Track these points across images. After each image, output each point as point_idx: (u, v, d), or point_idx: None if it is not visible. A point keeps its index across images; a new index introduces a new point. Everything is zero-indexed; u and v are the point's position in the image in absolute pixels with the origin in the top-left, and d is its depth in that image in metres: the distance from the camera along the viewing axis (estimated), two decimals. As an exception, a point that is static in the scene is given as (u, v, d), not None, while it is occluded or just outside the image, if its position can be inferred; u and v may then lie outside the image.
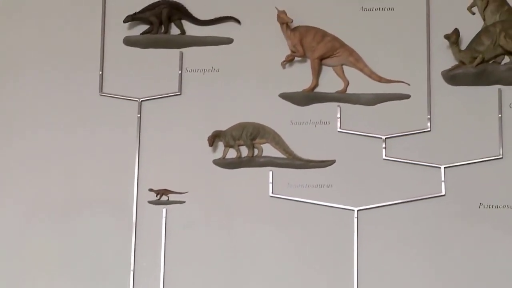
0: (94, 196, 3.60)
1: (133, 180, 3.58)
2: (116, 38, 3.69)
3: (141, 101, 3.64)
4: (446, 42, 3.48)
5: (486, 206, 3.43)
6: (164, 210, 3.56)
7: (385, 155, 3.50)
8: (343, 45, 3.59)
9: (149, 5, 3.66)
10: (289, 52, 3.59)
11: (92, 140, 3.63)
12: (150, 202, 3.57)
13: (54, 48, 3.73)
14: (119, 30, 3.69)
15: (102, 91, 3.66)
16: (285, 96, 3.59)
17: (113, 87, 3.67)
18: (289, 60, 3.59)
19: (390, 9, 3.61)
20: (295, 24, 3.58)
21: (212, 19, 3.67)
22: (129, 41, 3.68)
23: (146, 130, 3.62)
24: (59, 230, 3.59)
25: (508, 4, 3.51)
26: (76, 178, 3.62)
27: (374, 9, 3.62)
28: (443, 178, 3.45)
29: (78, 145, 3.64)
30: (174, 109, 3.63)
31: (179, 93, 3.64)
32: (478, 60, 3.44)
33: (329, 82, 3.58)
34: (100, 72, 3.67)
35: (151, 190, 3.57)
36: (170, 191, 3.57)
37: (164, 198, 3.57)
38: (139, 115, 3.63)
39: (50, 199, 3.61)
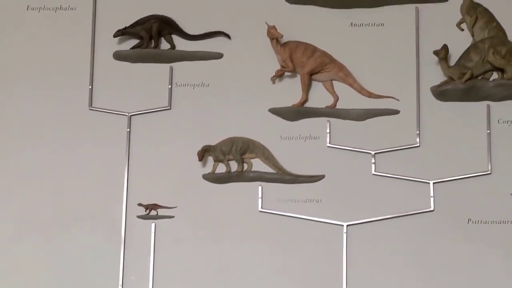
0: (82, 210, 3.58)
1: (122, 194, 3.57)
2: (106, 52, 3.69)
3: (131, 115, 3.64)
4: (435, 58, 3.50)
5: (475, 222, 3.43)
6: (153, 224, 3.55)
7: (375, 170, 3.51)
8: (332, 60, 3.60)
9: (139, 20, 3.67)
10: (279, 67, 3.60)
11: (81, 154, 3.62)
12: (139, 216, 3.56)
13: (43, 62, 3.72)
14: (109, 44, 3.69)
15: (91, 105, 3.66)
16: (275, 111, 3.59)
17: (102, 101, 3.66)
18: (279, 75, 3.60)
19: (380, 25, 3.63)
20: (285, 39, 3.59)
21: (202, 34, 3.67)
22: (119, 56, 3.68)
23: (136, 145, 3.62)
24: (48, 245, 3.57)
25: (496, 21, 3.53)
26: (65, 192, 3.60)
27: (363, 25, 3.63)
28: (432, 194, 3.46)
29: (67, 160, 3.62)
30: (164, 123, 3.63)
31: (169, 107, 3.64)
32: (467, 76, 3.46)
33: (319, 97, 3.60)
34: (90, 87, 3.67)
35: (140, 204, 3.56)
36: (159, 205, 3.56)
37: (153, 212, 3.56)
38: (128, 130, 3.63)
39: (38, 214, 3.59)
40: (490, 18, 3.53)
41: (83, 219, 3.57)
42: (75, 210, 3.58)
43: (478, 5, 3.55)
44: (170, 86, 3.65)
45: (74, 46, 3.71)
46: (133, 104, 3.64)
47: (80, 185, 3.60)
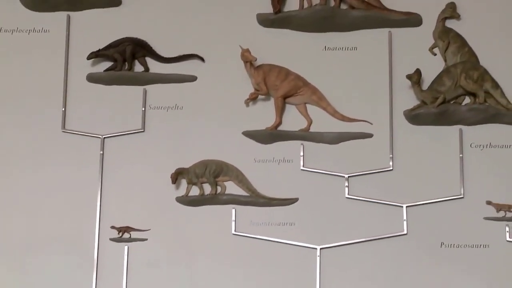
0: (55, 233, 3.56)
1: (94, 217, 3.55)
2: (80, 74, 3.68)
3: (104, 137, 3.63)
4: (408, 82, 3.52)
5: (448, 245, 3.45)
6: (126, 247, 3.53)
7: (348, 194, 3.52)
8: (306, 83, 3.61)
9: (113, 42, 3.66)
10: (252, 90, 3.61)
11: (54, 176, 3.60)
12: (111, 239, 3.54)
13: (16, 84, 3.70)
14: (83, 66, 3.68)
15: (64, 127, 3.64)
16: (249, 134, 3.60)
17: (76, 123, 3.65)
18: (253, 98, 3.61)
19: (353, 48, 3.65)
20: (258, 62, 3.60)
21: (176, 57, 3.68)
22: (93, 78, 3.67)
23: (109, 167, 3.60)
24: (20, 267, 3.54)
25: (468, 46, 3.57)
26: (37, 215, 3.58)
27: (337, 48, 3.65)
28: (405, 217, 3.47)
29: (39, 182, 3.60)
30: (137, 146, 3.62)
31: (142, 130, 3.63)
32: (439, 100, 3.48)
33: (293, 120, 3.61)
34: (63, 109, 3.65)
35: (113, 227, 3.54)
36: (132, 228, 3.54)
37: (126, 235, 3.54)
38: (101, 152, 3.61)
39: (10, 236, 3.56)
40: (462, 43, 3.57)
41: (55, 241, 3.55)
42: (47, 233, 3.56)
43: (451, 30, 3.58)
44: (143, 109, 3.64)
45: (47, 68, 3.70)
46: (107, 126, 3.63)
47: (53, 207, 3.58)
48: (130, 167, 3.60)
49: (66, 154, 3.62)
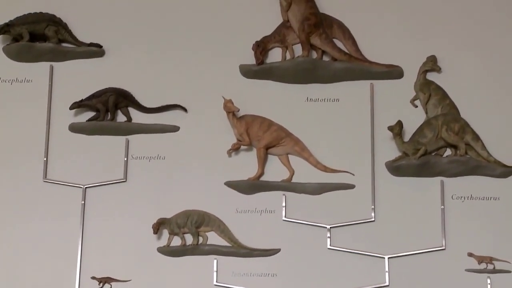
0: (35, 283, 3.53)
1: (75, 267, 3.53)
2: (62, 124, 3.68)
3: (86, 187, 3.62)
4: (390, 133, 3.54)
5: (429, 297, 3.46)
6: (106, 298, 3.51)
7: (330, 245, 3.51)
8: (288, 134, 3.63)
9: (96, 92, 3.67)
10: (235, 141, 3.62)
11: (35, 226, 3.58)
12: (92, 290, 3.53)
13: (-2, 133, 3.71)
14: (65, 116, 3.68)
15: (46, 177, 3.63)
16: (231, 184, 3.60)
17: (57, 173, 3.64)
18: (235, 149, 3.62)
19: (335, 100, 3.67)
20: (241, 113, 3.61)
21: (159, 107, 3.69)
22: (75, 128, 3.67)
23: (90, 217, 3.58)
24: (-2, 319, 3.52)
25: (449, 98, 3.60)
26: (18, 265, 3.55)
27: (319, 100, 3.68)
28: (387, 268, 3.47)
29: (20, 232, 3.58)
30: (119, 196, 3.61)
31: (124, 180, 3.62)
32: (421, 152, 3.50)
33: (275, 171, 3.61)
34: (45, 158, 3.64)
35: (93, 278, 3.51)
36: (113, 279, 3.52)
37: (106, 286, 3.51)
38: (83, 202, 3.60)
39: (-11, 287, 3.54)
40: (443, 95, 3.60)
41: (35, 292, 3.53)
42: (28, 282, 3.53)
43: (432, 82, 3.62)
44: (126, 159, 3.64)
45: (29, 118, 3.70)
46: (88, 176, 3.62)
47: (33, 258, 3.55)
48: (111, 217, 3.59)
49: (47, 204, 3.60)
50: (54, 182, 3.63)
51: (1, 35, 3.73)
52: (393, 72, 3.66)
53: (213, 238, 3.55)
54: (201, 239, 3.55)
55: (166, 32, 3.77)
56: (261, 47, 3.67)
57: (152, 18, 3.79)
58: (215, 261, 3.52)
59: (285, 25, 3.71)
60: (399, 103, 3.64)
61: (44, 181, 3.63)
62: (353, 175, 3.59)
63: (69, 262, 3.54)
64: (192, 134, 3.66)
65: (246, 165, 3.61)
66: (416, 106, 3.64)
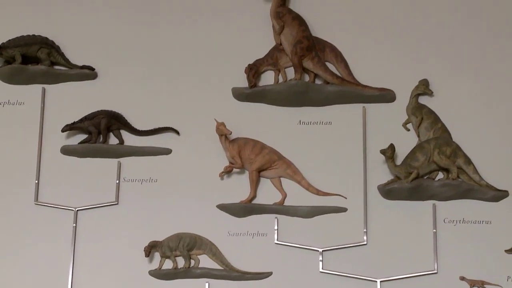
0: (25, 306, 3.53)
1: (66, 291, 3.54)
2: (54, 147, 3.67)
3: (77, 210, 3.61)
4: (382, 157, 3.54)
5: (421, 321, 3.46)
6: (97, 322, 3.50)
7: (322, 268, 3.51)
8: (281, 157, 3.63)
9: (88, 115, 3.67)
10: (227, 164, 3.62)
11: (26, 249, 3.56)
12: (83, 314, 3.51)
13: (-11, 156, 3.71)
14: (57, 139, 3.68)
15: (37, 200, 3.62)
16: (223, 207, 3.59)
17: (49, 196, 3.63)
18: (228, 172, 3.61)
19: (328, 123, 3.67)
20: (234, 136, 3.61)
21: (151, 130, 3.68)
22: (67, 150, 3.67)
23: (82, 240, 3.57)
24: None
25: (441, 122, 3.61)
26: (8, 288, 3.55)
27: (311, 123, 3.68)
28: (378, 292, 3.48)
29: (11, 254, 3.56)
30: (111, 219, 3.60)
31: (116, 202, 3.61)
32: (413, 176, 3.50)
33: (267, 194, 3.61)
34: (36, 181, 3.64)
35: (84, 301, 3.51)
36: (104, 302, 3.52)
37: (98, 309, 3.51)
38: (74, 225, 3.59)
39: (-20, 310, 3.53)
40: (435, 119, 3.61)
41: (25, 315, 3.51)
42: (18, 306, 3.53)
43: (424, 106, 3.63)
44: (117, 181, 3.63)
45: (21, 140, 3.70)
46: (80, 199, 3.62)
47: (24, 281, 3.54)
48: (103, 240, 3.57)
49: (39, 227, 3.59)
50: (46, 205, 3.62)
51: (-6, 57, 3.75)
52: (386, 96, 3.67)
53: (205, 261, 3.54)
54: (193, 262, 3.54)
55: (158, 55, 3.78)
56: (254, 70, 3.68)
57: (145, 41, 3.79)
58: (207, 284, 3.51)
59: (277, 48, 3.72)
60: (392, 127, 3.64)
61: (36, 204, 3.62)
62: (346, 198, 3.59)
63: (60, 285, 3.52)
64: (185, 157, 3.66)
65: (238, 188, 3.61)
66: (408, 130, 3.65)
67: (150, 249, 3.51)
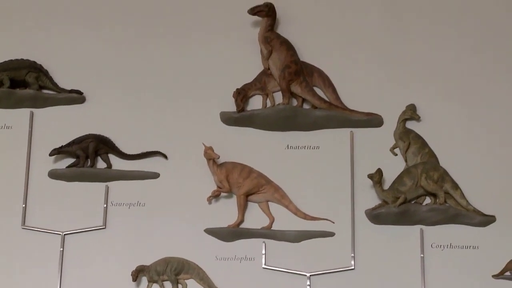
0: (11, 331, 3.51)
1: (52, 316, 3.52)
2: (41, 170, 3.67)
3: (65, 234, 3.60)
4: (370, 181, 3.54)
5: None
6: None
7: (310, 293, 3.52)
8: (268, 182, 3.63)
9: (76, 139, 3.67)
10: (215, 188, 3.61)
11: (13, 273, 3.55)
12: (70, 339, 3.49)
13: (-23, 179, 3.69)
14: (45, 162, 3.67)
15: (24, 224, 3.61)
16: (211, 232, 3.59)
17: (36, 220, 3.62)
18: (215, 196, 3.61)
19: (315, 147, 3.68)
20: (222, 160, 3.61)
21: (139, 154, 3.68)
22: (54, 174, 3.66)
23: (69, 264, 3.56)
24: None
25: (428, 147, 3.62)
26: (-7, 313, 3.53)
27: (299, 147, 3.69)
28: (367, 317, 3.48)
29: (-3, 279, 3.57)
30: (98, 243, 3.59)
31: (103, 227, 3.60)
32: (400, 200, 3.51)
33: (255, 218, 3.61)
34: (24, 205, 3.63)
35: (71, 326, 3.50)
36: (91, 327, 3.50)
37: (84, 334, 3.50)
38: (61, 249, 3.58)
39: (-35, 335, 3.51)
40: (422, 144, 3.62)
41: None
42: (4, 331, 3.51)
43: (411, 131, 3.64)
44: (105, 205, 3.63)
45: (9, 164, 3.69)
46: (68, 223, 3.60)
47: (9, 306, 3.54)
48: (90, 264, 3.56)
49: (26, 251, 3.58)
50: (33, 229, 3.60)
51: (-18, 82, 3.75)
52: (373, 120, 3.68)
53: (193, 286, 3.53)
54: (180, 287, 3.53)
55: (146, 79, 3.79)
56: (242, 95, 3.69)
57: (133, 65, 3.80)
58: (194, 309, 3.52)
59: (265, 73, 3.74)
60: (379, 151, 3.65)
61: (23, 228, 3.61)
62: (333, 222, 3.59)
63: (47, 310, 3.53)
64: (172, 181, 3.66)
65: (226, 212, 3.61)
66: (396, 154, 3.65)
67: (137, 274, 3.50)
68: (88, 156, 3.65)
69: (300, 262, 3.54)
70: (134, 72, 3.79)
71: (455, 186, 3.54)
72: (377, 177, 3.52)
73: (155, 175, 3.67)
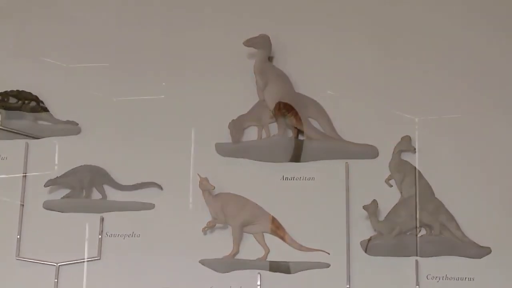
0: None
1: None
2: (36, 202, 3.66)
3: (59, 265, 3.58)
4: (365, 212, 3.54)
5: None
6: None
7: (305, 324, 3.51)
8: (264, 213, 3.62)
9: (71, 170, 3.66)
10: (210, 219, 3.61)
11: (6, 305, 3.55)
12: None
13: (-29, 210, 3.68)
14: (39, 194, 3.66)
15: (19, 255, 3.60)
16: (206, 263, 3.58)
17: (30, 251, 3.60)
18: (210, 227, 3.60)
19: (311, 178, 3.68)
20: (217, 191, 3.61)
21: (134, 185, 3.68)
22: (49, 205, 3.65)
23: (63, 295, 3.56)
24: None
25: (424, 178, 3.62)
26: None
27: (294, 178, 3.69)
28: None
29: (-10, 311, 3.55)
30: (93, 274, 3.57)
31: (98, 258, 3.59)
32: (396, 231, 3.51)
33: (250, 249, 3.60)
34: (18, 236, 3.61)
35: None
36: None
37: None
38: (56, 280, 3.56)
39: None
40: (417, 175, 3.62)
41: None
42: None
43: (406, 162, 3.64)
44: (100, 236, 3.62)
45: (3, 195, 3.68)
46: (62, 254, 3.59)
47: (4, 338, 3.52)
48: (85, 296, 3.57)
49: (20, 282, 3.56)
50: (27, 260, 3.59)
51: (-24, 113, 3.75)
52: (368, 152, 3.69)
53: (188, 317, 3.54)
54: (175, 318, 3.53)
55: (142, 110, 3.79)
56: (237, 126, 3.70)
57: (128, 97, 3.81)
58: None
59: (261, 104, 3.75)
60: (374, 183, 3.65)
61: (17, 259, 3.59)
62: (328, 254, 3.58)
63: None
64: (167, 212, 3.65)
65: (221, 243, 3.59)
66: (391, 186, 3.66)
67: (132, 305, 3.50)
68: (83, 187, 3.65)
69: (296, 294, 3.55)
70: (130, 103, 3.79)
71: (450, 217, 3.54)
72: (372, 208, 3.52)
73: (150, 206, 3.66)
